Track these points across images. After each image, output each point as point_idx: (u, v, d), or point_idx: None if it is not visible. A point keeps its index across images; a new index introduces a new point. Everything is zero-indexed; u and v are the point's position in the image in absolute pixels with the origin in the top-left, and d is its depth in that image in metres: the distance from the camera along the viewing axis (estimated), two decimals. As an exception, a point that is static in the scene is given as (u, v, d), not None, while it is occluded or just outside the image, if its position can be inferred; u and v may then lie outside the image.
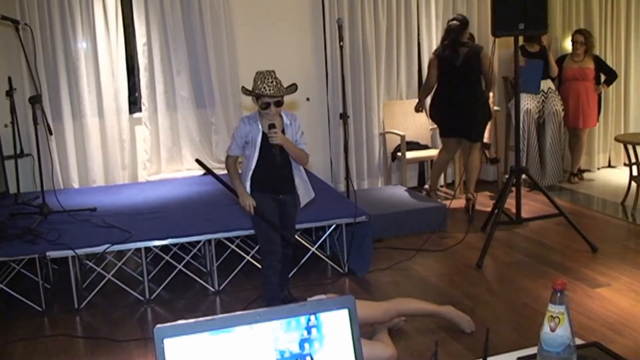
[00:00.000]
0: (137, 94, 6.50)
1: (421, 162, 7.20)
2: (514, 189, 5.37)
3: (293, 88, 3.89)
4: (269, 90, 3.74)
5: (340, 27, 5.44)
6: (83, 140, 6.20)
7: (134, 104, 6.51)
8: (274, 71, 3.83)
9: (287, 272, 4.35)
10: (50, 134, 5.32)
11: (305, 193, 4.12)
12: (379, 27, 6.89)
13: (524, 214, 5.43)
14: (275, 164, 3.90)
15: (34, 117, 4.95)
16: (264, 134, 3.88)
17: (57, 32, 6.01)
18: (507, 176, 5.73)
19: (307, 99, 6.76)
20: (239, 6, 6.49)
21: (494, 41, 5.18)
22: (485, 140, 6.70)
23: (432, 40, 7.09)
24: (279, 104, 3.83)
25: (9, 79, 5.31)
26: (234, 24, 6.47)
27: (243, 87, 3.94)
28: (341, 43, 5.45)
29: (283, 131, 3.90)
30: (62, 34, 6.04)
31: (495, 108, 6.96)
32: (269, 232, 4.02)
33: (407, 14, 7.00)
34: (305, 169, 4.13)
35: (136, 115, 6.45)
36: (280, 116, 3.93)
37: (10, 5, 5.73)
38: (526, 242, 5.42)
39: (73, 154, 6.19)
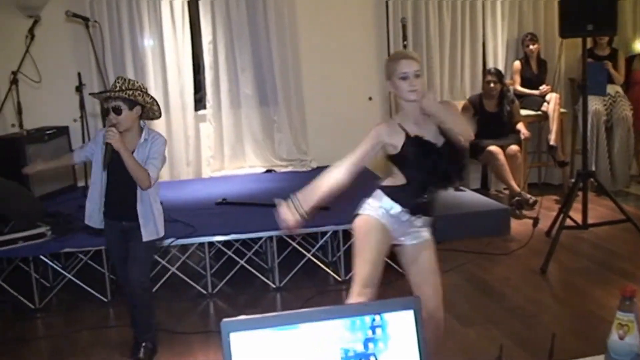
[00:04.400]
0: (202, 92, 6.61)
1: (484, 165, 7.09)
2: (580, 193, 5.24)
3: (116, 94, 3.37)
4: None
5: (404, 26, 5.43)
6: (149, 136, 6.32)
7: (199, 101, 6.61)
8: (130, 80, 3.50)
9: (137, 321, 3.77)
10: (118, 129, 5.43)
11: (145, 223, 3.53)
12: (443, 27, 6.82)
13: (590, 219, 5.30)
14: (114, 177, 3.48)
15: (102, 113, 5.06)
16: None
17: (125, 30, 6.16)
18: (573, 180, 5.59)
19: (370, 99, 6.74)
20: (303, 5, 6.53)
21: (561, 42, 5.07)
22: (552, 143, 6.56)
23: (497, 40, 6.98)
24: (115, 110, 3.37)
25: (79, 74, 5.46)
26: (297, 22, 6.51)
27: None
28: (405, 42, 5.45)
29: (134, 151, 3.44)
30: (130, 32, 6.18)
31: (562, 110, 6.81)
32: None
33: (472, 14, 6.92)
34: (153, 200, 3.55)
35: (201, 112, 6.55)
36: (140, 132, 3.49)
37: (80, 3, 5.90)
38: (592, 248, 5.29)
39: (140, 149, 6.32)
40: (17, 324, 4.27)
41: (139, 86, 3.45)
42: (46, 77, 5.57)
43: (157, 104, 3.53)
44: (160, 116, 3.63)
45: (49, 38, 5.91)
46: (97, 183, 3.55)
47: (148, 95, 3.46)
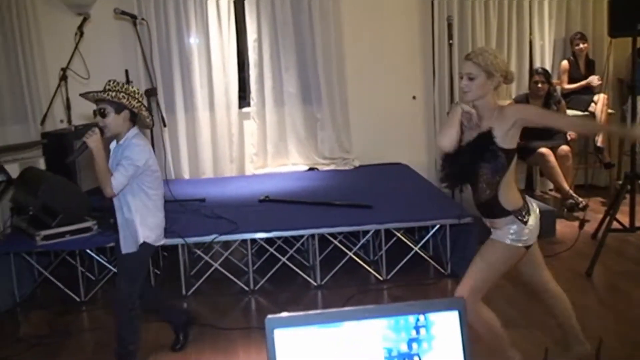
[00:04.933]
0: (246, 89, 6.65)
1: (530, 166, 6.99)
2: (627, 195, 5.14)
3: (98, 95, 3.22)
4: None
5: (449, 25, 5.38)
6: (194, 133, 6.40)
7: (243, 99, 6.65)
8: (123, 83, 3.31)
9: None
10: (164, 125, 5.53)
11: (123, 236, 3.40)
12: (489, 26, 6.75)
13: (638, 222, 5.18)
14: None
15: (149, 110, 5.13)
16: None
17: (172, 27, 6.24)
18: (620, 182, 5.48)
19: (414, 97, 6.71)
20: (347, 4, 6.52)
21: (610, 42, 4.97)
22: (599, 144, 6.45)
23: (544, 39, 6.88)
24: (101, 113, 3.22)
25: (126, 71, 5.53)
26: (341, 21, 6.51)
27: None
28: (450, 41, 5.40)
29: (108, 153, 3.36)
30: (177, 29, 6.27)
31: (610, 111, 6.68)
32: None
33: (518, 13, 6.83)
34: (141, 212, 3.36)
35: (245, 109, 6.60)
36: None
37: (129, 1, 6.00)
38: (639, 251, 5.18)
39: (185, 145, 6.41)
40: (63, 316, 4.35)
41: (132, 91, 3.28)
42: (94, 74, 5.65)
43: (147, 110, 3.37)
44: (150, 124, 3.49)
45: (97, 35, 6.03)
46: None
47: (135, 99, 3.25)
